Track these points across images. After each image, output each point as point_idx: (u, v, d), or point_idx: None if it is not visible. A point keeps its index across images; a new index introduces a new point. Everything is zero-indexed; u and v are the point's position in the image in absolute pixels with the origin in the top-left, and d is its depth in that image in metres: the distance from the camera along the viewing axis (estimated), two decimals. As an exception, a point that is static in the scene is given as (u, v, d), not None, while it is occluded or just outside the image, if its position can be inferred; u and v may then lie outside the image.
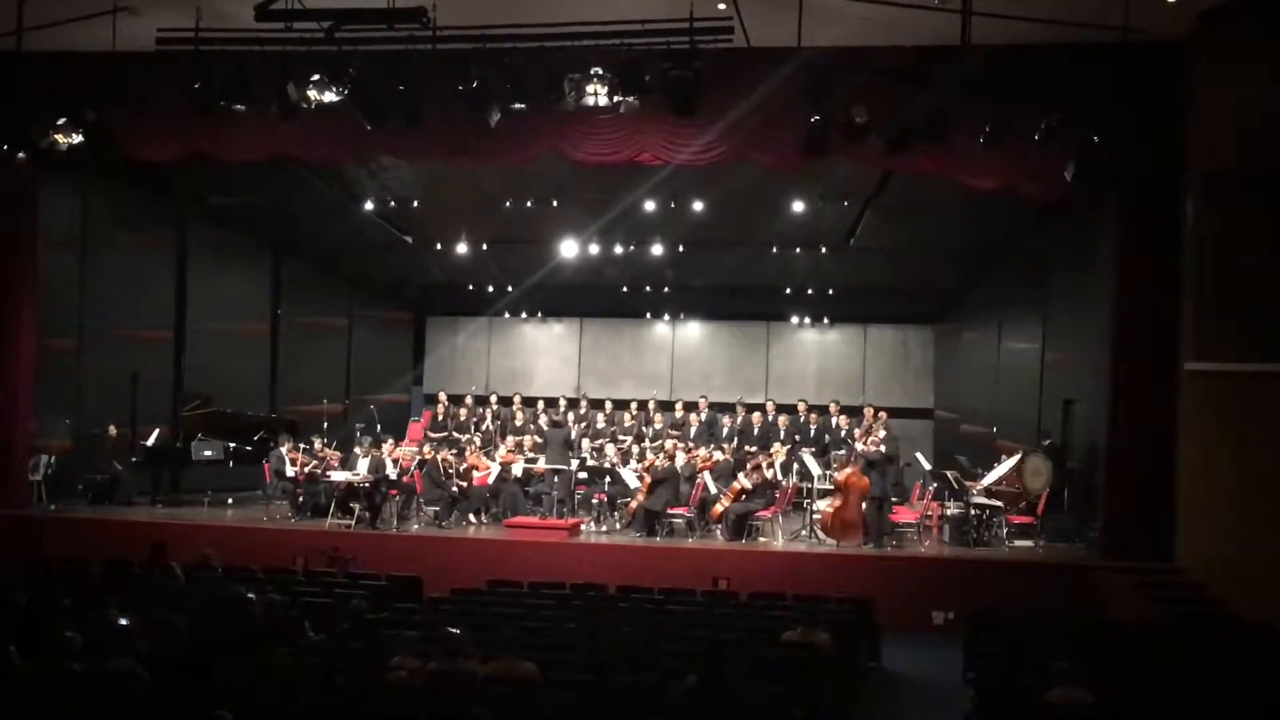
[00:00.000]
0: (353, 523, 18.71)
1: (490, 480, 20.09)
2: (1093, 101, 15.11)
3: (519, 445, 21.48)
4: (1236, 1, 15.20)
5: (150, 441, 21.09)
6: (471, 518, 19.59)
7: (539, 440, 21.50)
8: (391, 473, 19.31)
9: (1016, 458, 19.00)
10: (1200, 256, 15.86)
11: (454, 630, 10.05)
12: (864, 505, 17.94)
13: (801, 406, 22.92)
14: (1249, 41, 15.35)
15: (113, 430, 21.09)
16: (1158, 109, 16.06)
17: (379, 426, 22.75)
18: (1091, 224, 17.82)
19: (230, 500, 21.01)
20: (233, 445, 21.26)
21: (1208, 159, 15.81)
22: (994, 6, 14.16)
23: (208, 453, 21.01)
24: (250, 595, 11.75)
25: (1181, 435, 16.14)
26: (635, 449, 21.15)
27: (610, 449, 20.74)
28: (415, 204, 22.63)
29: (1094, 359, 17.79)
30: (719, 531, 18.58)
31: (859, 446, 18.85)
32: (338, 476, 19.28)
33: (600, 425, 22.98)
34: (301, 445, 20.62)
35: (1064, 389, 19.60)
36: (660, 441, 21.66)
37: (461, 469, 19.90)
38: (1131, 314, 16.61)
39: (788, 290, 26.39)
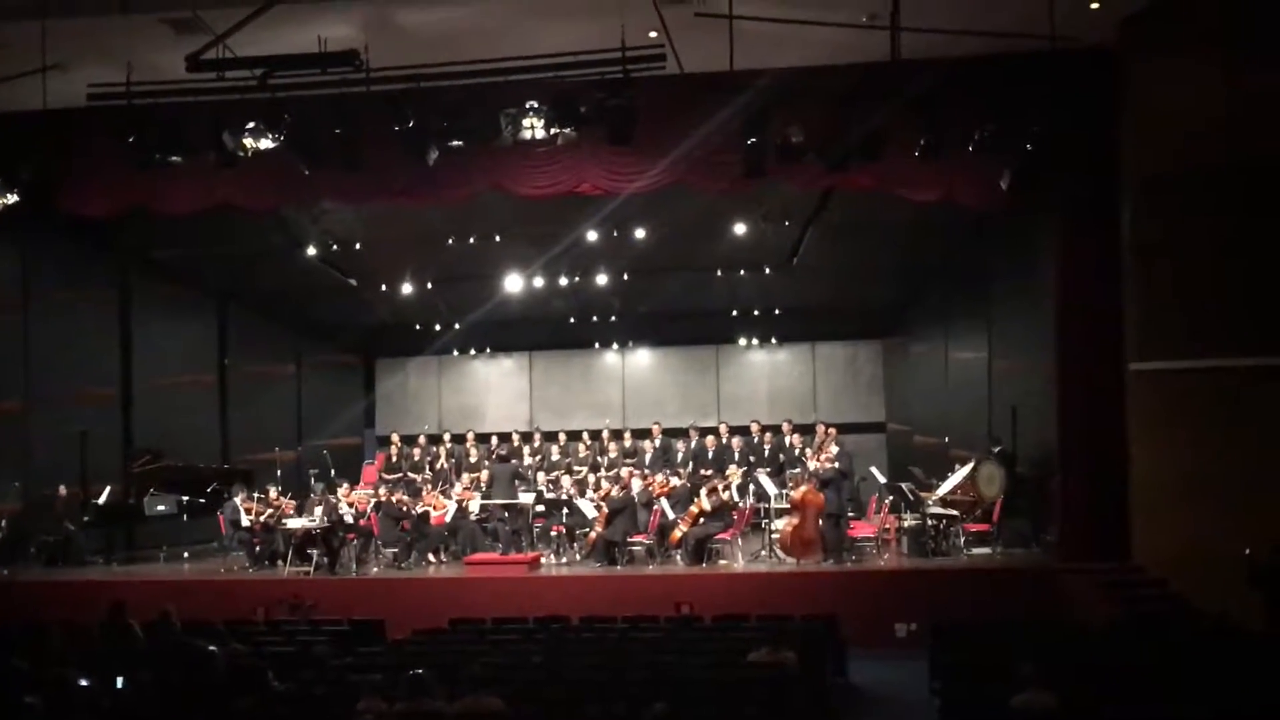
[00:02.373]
0: (311, 569, 18.58)
1: (448, 518, 20.02)
2: (1026, 110, 15.23)
3: (475, 482, 21.44)
4: (1158, 6, 15.43)
5: (102, 500, 20.81)
6: (431, 557, 19.51)
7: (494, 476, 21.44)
8: (348, 516, 19.20)
9: (970, 466, 19.11)
10: (1139, 257, 16.08)
11: (418, 671, 10.01)
12: (821, 522, 17.98)
13: (755, 427, 23.00)
14: (1172, 44, 15.58)
15: (63, 490, 20.81)
16: (1090, 114, 16.24)
17: (333, 471, 22.65)
18: (1032, 231, 18.01)
19: (186, 554, 20.82)
20: (186, 498, 21.05)
21: (1141, 161, 16.06)
22: (921, 22, 14.31)
23: (161, 507, 20.79)
24: (212, 648, 11.65)
25: (1131, 435, 16.31)
26: (591, 479, 21.14)
27: (566, 480, 20.71)
28: (358, 246, 22.58)
29: (1041, 364, 17.95)
30: (679, 557, 18.58)
31: (812, 465, 18.92)
32: (294, 524, 19.14)
33: (555, 457, 22.98)
34: (256, 494, 20.47)
35: (1013, 396, 19.74)
36: (615, 470, 21.68)
37: (418, 510, 19.82)
38: (1075, 318, 16.80)
39: (735, 312, 26.59)
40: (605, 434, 23.89)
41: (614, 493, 19.02)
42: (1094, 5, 15.25)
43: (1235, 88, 15.15)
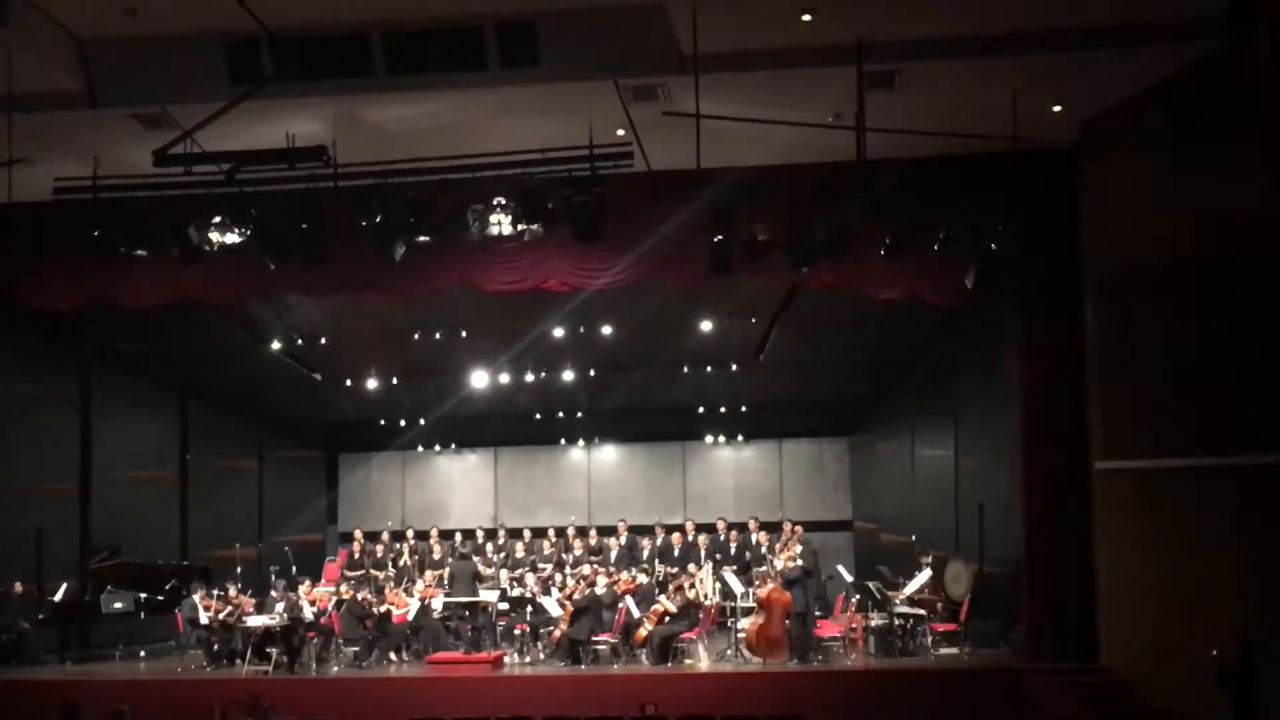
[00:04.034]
0: (270, 668, 18.26)
1: (410, 616, 19.76)
2: (989, 209, 15.35)
3: (438, 579, 21.22)
4: (1116, 110, 15.65)
5: (58, 597, 20.47)
6: (392, 656, 19.24)
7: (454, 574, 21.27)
8: (309, 614, 18.92)
9: (937, 565, 19.03)
10: (1101, 356, 16.15)
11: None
12: (787, 621, 17.84)
13: (721, 525, 22.94)
14: (1129, 147, 15.77)
15: (18, 587, 20.38)
16: (1052, 213, 16.41)
17: (294, 568, 22.38)
18: (997, 329, 18.06)
19: (143, 653, 20.39)
20: (144, 596, 20.72)
21: (1100, 261, 16.18)
22: (886, 122, 14.45)
23: (118, 605, 20.43)
24: (166, 750, 11.43)
25: (1097, 534, 16.27)
26: (556, 577, 20.96)
27: (530, 578, 20.53)
28: (323, 341, 22.50)
29: (1007, 463, 17.93)
30: (644, 655, 18.37)
31: (778, 563, 18.83)
32: (253, 621, 18.84)
33: (519, 554, 22.80)
34: (215, 592, 20.17)
35: (979, 494, 19.68)
36: (580, 568, 21.50)
37: (381, 609, 19.56)
38: (1040, 416, 16.81)
39: (701, 409, 26.60)
40: (570, 531, 23.79)
41: (577, 595, 18.81)
42: (1056, 109, 15.48)
43: (1190, 190, 15.31)
